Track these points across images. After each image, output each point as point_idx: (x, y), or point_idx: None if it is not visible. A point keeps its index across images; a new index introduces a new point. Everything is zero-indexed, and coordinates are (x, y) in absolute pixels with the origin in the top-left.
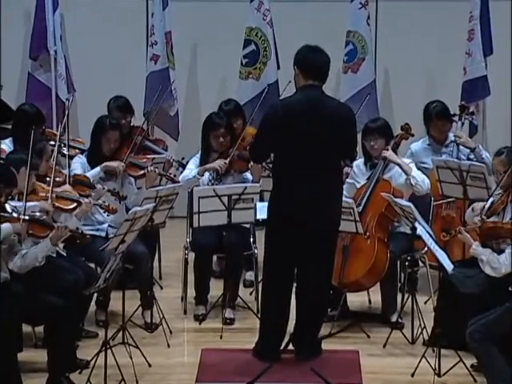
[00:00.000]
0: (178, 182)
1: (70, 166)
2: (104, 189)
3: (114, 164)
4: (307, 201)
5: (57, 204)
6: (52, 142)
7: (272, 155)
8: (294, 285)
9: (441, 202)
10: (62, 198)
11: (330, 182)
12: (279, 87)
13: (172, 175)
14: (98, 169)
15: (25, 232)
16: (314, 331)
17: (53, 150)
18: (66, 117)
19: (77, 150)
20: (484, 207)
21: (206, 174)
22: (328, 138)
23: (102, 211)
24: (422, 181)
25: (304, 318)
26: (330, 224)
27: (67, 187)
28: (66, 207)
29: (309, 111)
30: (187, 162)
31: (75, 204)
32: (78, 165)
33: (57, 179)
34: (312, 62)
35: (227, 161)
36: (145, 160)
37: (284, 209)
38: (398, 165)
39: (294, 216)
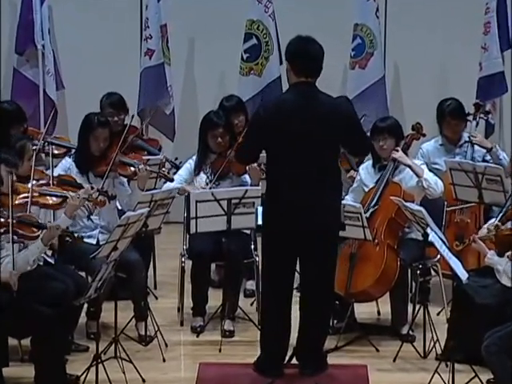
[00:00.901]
0: (173, 179)
1: (54, 166)
2: (93, 188)
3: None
4: (302, 202)
5: (41, 201)
6: (36, 142)
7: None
8: (297, 294)
9: (455, 207)
10: (45, 195)
11: (326, 181)
12: (282, 83)
13: (166, 172)
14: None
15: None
16: (319, 343)
17: (34, 150)
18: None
19: (63, 149)
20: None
21: (203, 177)
22: (323, 136)
23: (93, 216)
24: (434, 183)
25: (307, 328)
26: (325, 223)
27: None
28: (51, 203)
29: (301, 110)
30: (181, 162)
31: (60, 199)
32: (61, 167)
33: (40, 181)
34: (303, 59)
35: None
36: (136, 159)
37: (279, 211)
38: (409, 166)
39: (290, 218)
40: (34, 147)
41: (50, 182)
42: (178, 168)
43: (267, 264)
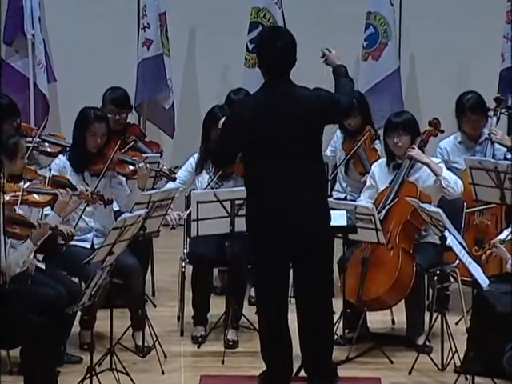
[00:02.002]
0: (175, 178)
1: (47, 165)
2: (87, 190)
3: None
4: (284, 201)
5: (30, 199)
6: (29, 139)
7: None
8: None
9: (475, 209)
10: (34, 192)
11: (309, 178)
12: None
13: (167, 170)
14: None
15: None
16: (324, 353)
17: (28, 148)
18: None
19: (58, 148)
20: None
21: (205, 177)
22: (300, 132)
23: (84, 217)
24: (454, 182)
25: (306, 336)
26: (313, 223)
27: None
28: (40, 201)
29: (272, 109)
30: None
31: (50, 197)
32: (54, 167)
33: (34, 181)
34: (266, 60)
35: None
36: (136, 157)
37: (263, 213)
38: (427, 165)
39: (274, 219)
40: (28, 144)
41: (46, 182)
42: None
43: (256, 270)
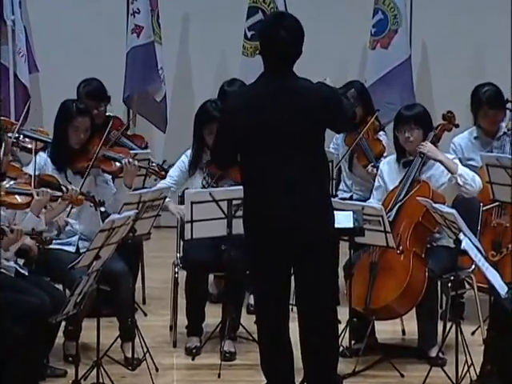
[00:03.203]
0: (165, 176)
1: (29, 163)
2: (76, 192)
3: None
4: (285, 202)
5: (8, 201)
6: (9, 134)
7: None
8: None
9: (493, 205)
10: (13, 193)
11: (310, 177)
12: None
13: (156, 167)
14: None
15: None
16: (329, 365)
17: (10, 143)
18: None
19: (40, 144)
20: None
21: (199, 179)
22: (301, 128)
23: (69, 219)
24: (471, 179)
25: (308, 346)
26: (315, 224)
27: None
28: (19, 202)
29: (270, 100)
30: (169, 166)
31: (29, 198)
32: (33, 165)
33: (19, 180)
34: (269, 43)
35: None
36: (122, 153)
37: (258, 212)
38: (440, 161)
39: (271, 217)
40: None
41: (32, 181)
42: (166, 172)
43: (254, 274)
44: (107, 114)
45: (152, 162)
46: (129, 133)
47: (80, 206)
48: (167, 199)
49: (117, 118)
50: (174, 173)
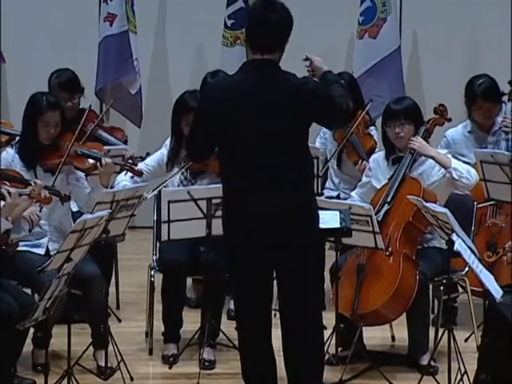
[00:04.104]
0: (142, 173)
1: None
2: (40, 186)
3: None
4: (266, 205)
5: None
6: None
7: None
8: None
9: (484, 204)
10: None
11: (294, 177)
12: None
13: (133, 165)
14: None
15: None
16: (314, 374)
17: None
18: None
19: (5, 137)
20: None
21: (177, 175)
22: (285, 125)
23: (41, 221)
24: (467, 172)
25: (291, 355)
26: (300, 227)
27: None
28: None
29: (251, 93)
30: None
31: None
32: (1, 160)
33: None
34: (257, 30)
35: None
36: (96, 149)
37: (237, 214)
38: (432, 157)
39: (255, 226)
40: None
41: None
42: None
43: (233, 278)
44: (80, 106)
45: (131, 158)
46: (107, 125)
47: (49, 204)
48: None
49: (91, 110)
50: (151, 162)
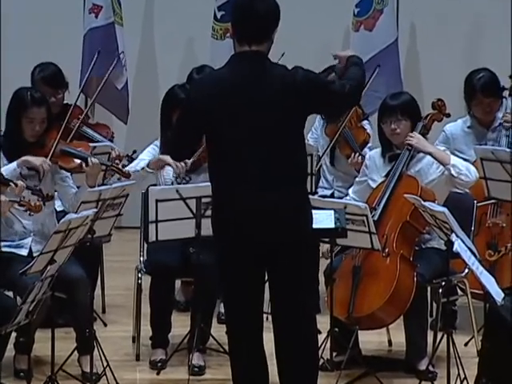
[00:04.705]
0: (129, 175)
1: None
2: (23, 186)
3: (35, 161)
4: (258, 204)
5: None
6: None
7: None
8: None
9: (485, 203)
10: None
11: (287, 175)
12: None
13: (120, 165)
14: (14, 165)
15: None
16: (308, 379)
17: None
18: None
19: None
20: None
21: (170, 172)
22: (271, 121)
23: (21, 219)
24: (466, 169)
25: (288, 359)
26: (293, 227)
27: None
28: None
29: (239, 88)
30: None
31: None
32: None
33: None
34: (244, 20)
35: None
36: (82, 148)
37: (227, 214)
38: (430, 154)
39: (246, 226)
40: None
41: None
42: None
43: (223, 280)
44: (65, 102)
45: (118, 158)
46: (91, 121)
47: (37, 212)
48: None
49: (76, 106)
50: (145, 156)
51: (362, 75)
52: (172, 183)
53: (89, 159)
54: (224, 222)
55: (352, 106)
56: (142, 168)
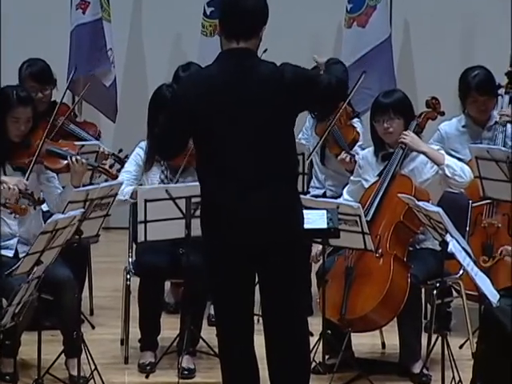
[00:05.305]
0: (117, 176)
1: None
2: (14, 190)
3: (10, 182)
4: (248, 205)
5: None
6: None
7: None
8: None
9: (480, 203)
10: None
11: (277, 175)
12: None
13: (107, 166)
14: None
15: None
16: (298, 382)
17: None
18: None
19: None
20: None
21: (157, 173)
22: (260, 120)
23: (7, 219)
24: (460, 169)
25: (279, 362)
26: (284, 229)
27: None
28: None
29: (227, 86)
30: (126, 156)
31: None
32: None
33: None
34: (231, 15)
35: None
36: (68, 147)
37: (216, 216)
38: (424, 153)
39: (230, 222)
40: None
41: None
42: (123, 163)
43: (212, 281)
44: (52, 99)
45: (106, 158)
46: (79, 120)
47: (23, 216)
48: (131, 187)
49: (64, 104)
50: (130, 167)
51: (345, 71)
52: (159, 183)
53: (73, 158)
54: (215, 222)
55: (340, 100)
56: (126, 200)
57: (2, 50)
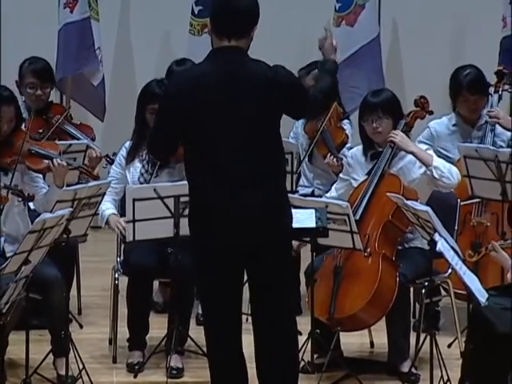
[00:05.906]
0: (98, 177)
1: None
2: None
3: None
4: (237, 203)
5: None
6: None
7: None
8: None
9: (469, 202)
10: None
11: (266, 174)
12: None
13: (90, 168)
14: None
15: None
16: (288, 382)
17: None
18: None
19: None
20: None
21: (138, 166)
22: (256, 117)
23: None
24: (448, 171)
25: (267, 361)
26: (273, 228)
27: None
28: None
29: (218, 85)
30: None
31: None
32: None
33: None
34: (223, 13)
35: None
36: (51, 147)
37: (203, 213)
38: (412, 153)
39: (218, 220)
40: None
41: None
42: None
43: (200, 280)
44: (50, 99)
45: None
46: (75, 122)
47: (4, 203)
48: (108, 211)
49: (59, 104)
50: (114, 173)
51: (333, 84)
52: (138, 178)
53: (54, 159)
54: (206, 221)
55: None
56: (106, 221)
57: None
